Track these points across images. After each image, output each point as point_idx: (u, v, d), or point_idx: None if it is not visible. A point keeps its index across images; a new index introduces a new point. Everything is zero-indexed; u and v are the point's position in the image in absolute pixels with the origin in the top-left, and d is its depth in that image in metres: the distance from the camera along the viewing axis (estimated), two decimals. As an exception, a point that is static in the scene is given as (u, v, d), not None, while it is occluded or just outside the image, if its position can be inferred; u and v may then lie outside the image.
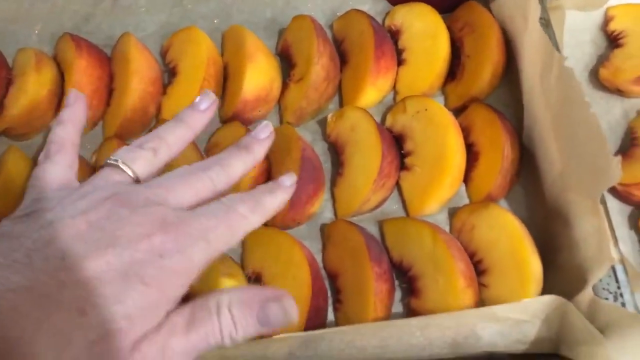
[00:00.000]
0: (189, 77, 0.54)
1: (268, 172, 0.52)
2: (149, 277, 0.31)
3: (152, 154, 0.38)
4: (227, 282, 0.46)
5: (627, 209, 0.52)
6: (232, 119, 0.54)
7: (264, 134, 0.42)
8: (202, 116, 0.41)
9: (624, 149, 0.54)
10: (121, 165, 0.37)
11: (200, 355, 0.33)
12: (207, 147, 0.54)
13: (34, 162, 0.52)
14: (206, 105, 0.41)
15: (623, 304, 0.44)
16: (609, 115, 0.56)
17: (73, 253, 0.31)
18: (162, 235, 0.33)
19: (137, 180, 0.37)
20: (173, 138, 0.39)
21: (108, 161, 0.37)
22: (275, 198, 0.39)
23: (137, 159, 0.38)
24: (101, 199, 0.34)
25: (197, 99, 0.41)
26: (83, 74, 0.53)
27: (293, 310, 0.35)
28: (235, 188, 0.49)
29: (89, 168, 0.52)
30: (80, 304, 0.30)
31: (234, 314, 0.33)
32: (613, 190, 0.52)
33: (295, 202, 0.49)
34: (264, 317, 0.34)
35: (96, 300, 0.30)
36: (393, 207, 0.53)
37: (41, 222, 0.32)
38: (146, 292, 0.31)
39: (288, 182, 0.40)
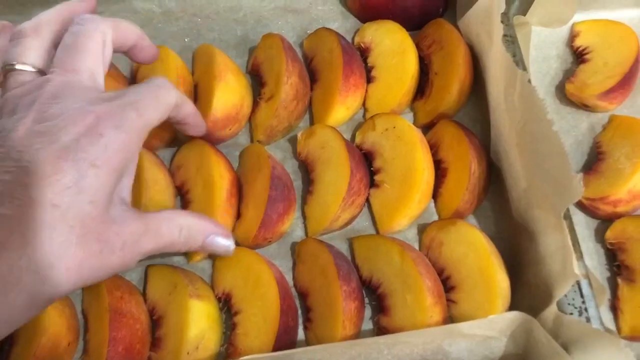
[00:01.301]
0: (159, 96, 0.54)
1: (238, 187, 0.52)
2: (96, 159, 0.35)
3: (33, 36, 0.40)
4: (196, 304, 0.45)
5: (594, 222, 0.53)
6: (203, 138, 0.54)
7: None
8: None
9: (590, 164, 0.55)
10: (18, 67, 0.39)
11: None
12: (171, 170, 0.54)
13: None
14: None
15: (588, 319, 0.44)
16: (575, 130, 0.57)
17: (25, 159, 0.34)
18: (94, 114, 0.36)
19: (41, 71, 0.40)
20: (47, 14, 0.42)
21: (6, 68, 0.39)
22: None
23: (25, 51, 0.40)
24: (23, 108, 0.36)
25: None
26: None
27: (232, 245, 0.45)
28: (210, 204, 0.49)
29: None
30: (50, 198, 0.33)
31: (189, 235, 0.42)
32: (579, 205, 0.53)
33: (267, 221, 0.49)
34: (210, 243, 0.43)
35: (62, 193, 0.33)
36: (364, 224, 0.53)
37: None
38: (98, 174, 0.35)
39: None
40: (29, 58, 0.40)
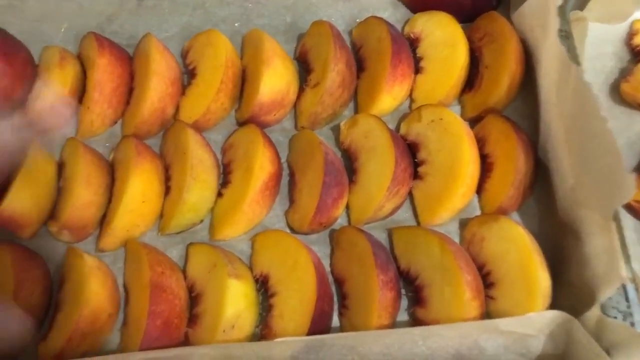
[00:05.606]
0: (208, 79, 0.55)
1: (278, 176, 0.52)
2: None
3: None
4: (234, 283, 0.46)
5: (643, 226, 0.51)
6: (249, 122, 0.55)
7: None
8: None
9: (642, 166, 0.53)
10: None
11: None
12: (223, 148, 0.55)
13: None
14: None
15: (632, 324, 0.43)
16: (628, 130, 0.55)
17: None
18: None
19: None
20: None
21: None
22: None
23: None
24: None
25: None
26: (104, 72, 0.55)
27: None
28: (243, 191, 0.49)
29: (107, 165, 0.53)
30: None
31: None
32: (629, 207, 0.51)
33: (322, 206, 0.49)
34: None
35: None
36: (404, 215, 0.53)
37: None
38: None
39: None
40: None
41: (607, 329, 0.42)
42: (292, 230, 0.52)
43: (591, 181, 0.44)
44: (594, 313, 0.42)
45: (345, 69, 0.54)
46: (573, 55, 0.52)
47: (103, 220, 0.51)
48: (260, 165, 0.50)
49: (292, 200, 0.53)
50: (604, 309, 0.43)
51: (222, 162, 0.54)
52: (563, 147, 0.47)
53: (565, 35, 0.53)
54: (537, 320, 0.42)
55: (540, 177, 0.51)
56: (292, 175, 0.54)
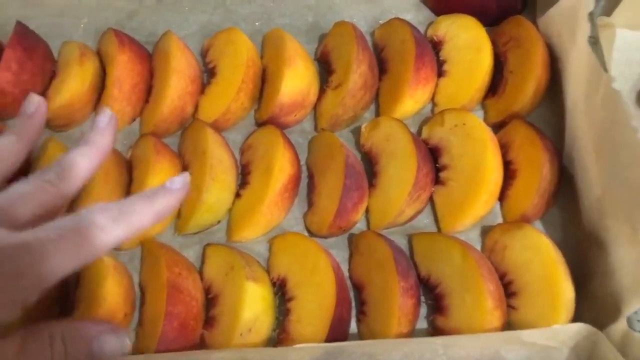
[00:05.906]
0: (228, 78, 0.55)
1: (297, 178, 0.52)
2: None
3: None
4: (252, 286, 0.45)
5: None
6: (268, 122, 0.54)
7: (103, 123, 0.39)
8: (31, 122, 0.40)
9: (670, 176, 0.52)
10: None
11: None
12: (242, 149, 0.55)
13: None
14: (32, 110, 0.40)
15: (659, 339, 0.42)
16: (655, 139, 0.54)
17: None
18: None
19: None
20: None
21: None
22: (152, 204, 0.35)
23: None
24: None
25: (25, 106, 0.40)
26: (124, 69, 0.54)
27: (126, 341, 0.35)
28: (263, 192, 0.49)
29: (125, 163, 0.52)
30: None
31: (67, 345, 0.32)
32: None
33: (342, 210, 0.48)
34: (99, 348, 0.33)
35: None
36: (424, 221, 0.52)
37: None
38: None
39: (177, 184, 0.37)
40: None
41: (633, 344, 0.41)
42: (311, 233, 0.51)
43: (619, 191, 0.43)
44: (619, 327, 0.42)
45: (368, 71, 0.53)
46: (601, 62, 0.51)
47: (120, 219, 0.51)
48: (280, 167, 0.50)
49: (311, 203, 0.52)
50: (629, 323, 0.43)
51: (241, 163, 0.54)
52: (590, 156, 0.46)
53: (594, 42, 0.52)
54: (561, 332, 0.41)
55: (564, 186, 0.50)
56: (311, 177, 0.53)
